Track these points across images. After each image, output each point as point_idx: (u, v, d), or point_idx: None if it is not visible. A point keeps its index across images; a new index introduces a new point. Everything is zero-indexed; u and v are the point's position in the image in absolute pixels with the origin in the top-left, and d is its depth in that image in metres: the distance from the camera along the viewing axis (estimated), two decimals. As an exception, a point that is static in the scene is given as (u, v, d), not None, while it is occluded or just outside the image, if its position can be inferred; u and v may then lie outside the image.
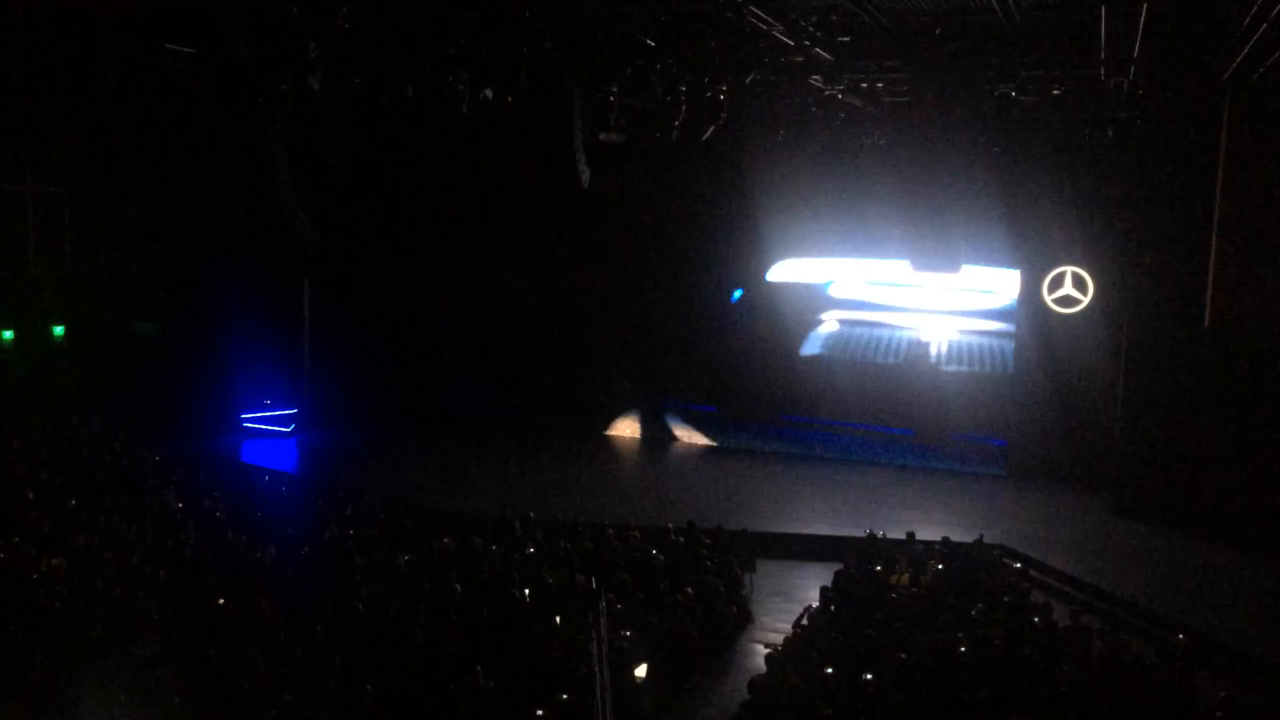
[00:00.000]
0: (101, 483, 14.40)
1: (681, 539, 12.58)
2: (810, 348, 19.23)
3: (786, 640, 9.94)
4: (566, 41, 11.79)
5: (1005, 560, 13.01)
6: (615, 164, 17.30)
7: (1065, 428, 16.96)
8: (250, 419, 19.62)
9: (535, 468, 18.21)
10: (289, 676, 8.56)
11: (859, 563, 11.96)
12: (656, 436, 20.33)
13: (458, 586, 10.62)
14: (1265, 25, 10.31)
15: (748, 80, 11.82)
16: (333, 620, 9.73)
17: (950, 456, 18.12)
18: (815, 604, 11.19)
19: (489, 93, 12.97)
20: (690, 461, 19.22)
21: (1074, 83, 13.25)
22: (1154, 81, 13.32)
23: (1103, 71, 12.59)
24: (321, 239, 19.66)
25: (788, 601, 12.34)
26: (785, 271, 19.34)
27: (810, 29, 10.51)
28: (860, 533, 13.10)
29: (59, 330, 18.56)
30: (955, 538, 12.89)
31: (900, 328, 18.73)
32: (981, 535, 12.99)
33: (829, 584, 11.50)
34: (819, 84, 12.75)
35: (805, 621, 10.56)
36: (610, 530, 12.71)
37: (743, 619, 11.79)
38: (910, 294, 18.55)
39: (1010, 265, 17.44)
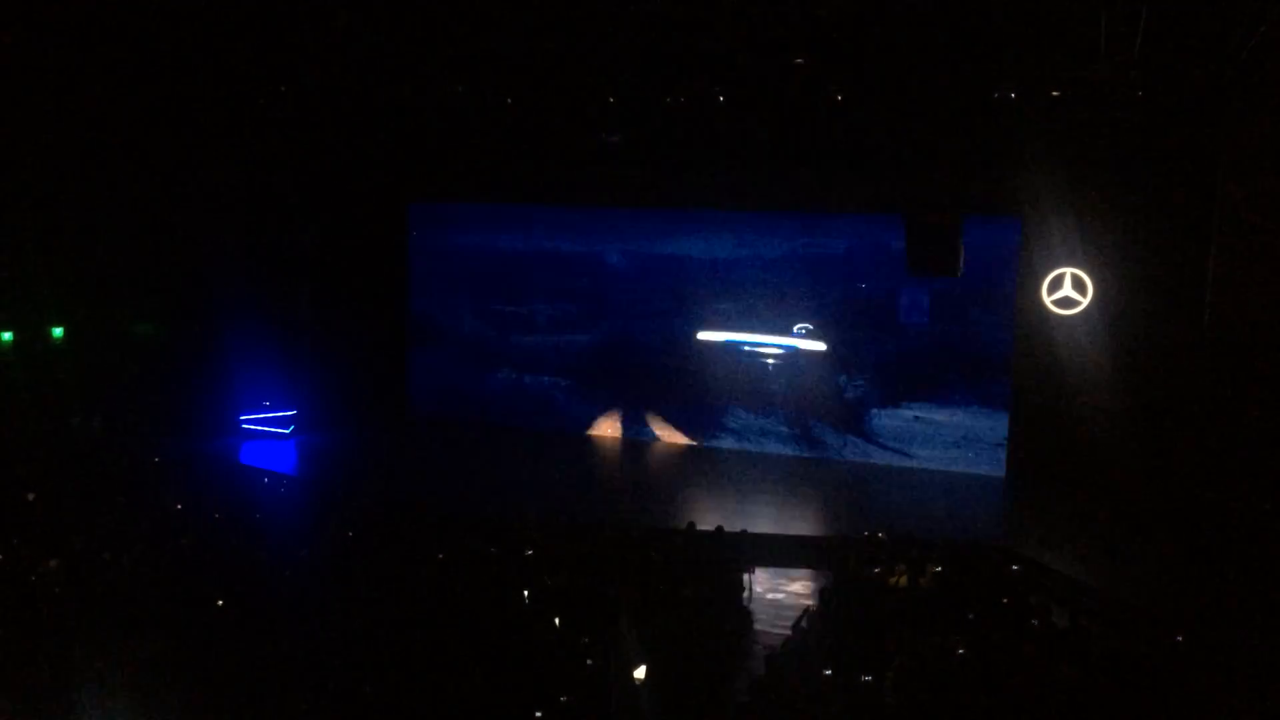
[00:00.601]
0: (100, 483, 14.40)
1: (680, 540, 12.58)
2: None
3: (785, 642, 9.94)
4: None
5: (1004, 561, 13.01)
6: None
7: (1065, 428, 16.95)
8: (249, 420, 19.64)
9: (536, 467, 18.24)
10: (288, 677, 8.56)
11: (857, 564, 11.96)
12: (639, 437, 20.31)
13: (457, 587, 10.62)
14: (1264, 26, 10.32)
15: None
16: (332, 621, 9.73)
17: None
18: (814, 605, 11.19)
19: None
20: (677, 462, 19.17)
21: (1074, 83, 13.28)
22: (1154, 81, 13.34)
23: (1103, 72, 12.62)
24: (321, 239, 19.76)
25: (786, 603, 12.35)
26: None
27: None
28: (859, 533, 13.11)
29: (59, 330, 18.55)
30: (955, 538, 12.89)
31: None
32: (981, 535, 13.00)
33: (827, 585, 11.50)
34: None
35: (804, 623, 10.56)
36: (609, 531, 12.72)
37: (741, 620, 11.79)
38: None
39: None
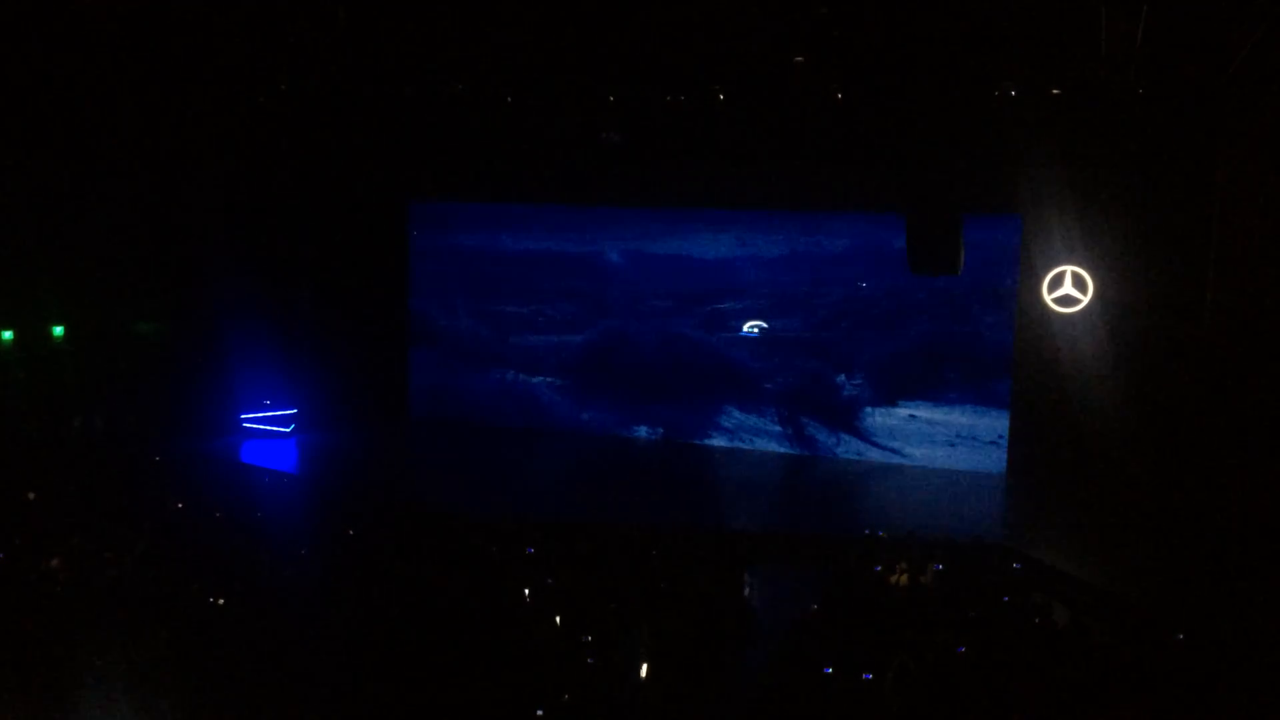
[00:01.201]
0: (100, 483, 14.40)
1: (681, 539, 12.59)
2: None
3: (785, 640, 9.93)
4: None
5: (1005, 560, 13.01)
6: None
7: (1066, 426, 16.95)
8: (250, 419, 19.64)
9: (535, 467, 18.24)
10: (288, 677, 8.56)
11: (858, 563, 11.96)
12: (639, 436, 20.30)
13: (458, 587, 10.62)
14: (1264, 25, 10.32)
15: None
16: (332, 621, 9.73)
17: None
18: (814, 604, 11.18)
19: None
20: (677, 461, 19.15)
21: (1074, 82, 13.28)
22: (1154, 81, 13.34)
23: (1103, 71, 12.62)
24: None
25: (787, 602, 12.33)
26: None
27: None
28: (859, 531, 13.11)
29: (59, 329, 18.54)
30: (955, 537, 12.89)
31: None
32: (981, 535, 13.00)
33: (828, 584, 11.50)
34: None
35: (804, 622, 10.54)
36: (609, 530, 12.73)
37: (742, 619, 11.77)
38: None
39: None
